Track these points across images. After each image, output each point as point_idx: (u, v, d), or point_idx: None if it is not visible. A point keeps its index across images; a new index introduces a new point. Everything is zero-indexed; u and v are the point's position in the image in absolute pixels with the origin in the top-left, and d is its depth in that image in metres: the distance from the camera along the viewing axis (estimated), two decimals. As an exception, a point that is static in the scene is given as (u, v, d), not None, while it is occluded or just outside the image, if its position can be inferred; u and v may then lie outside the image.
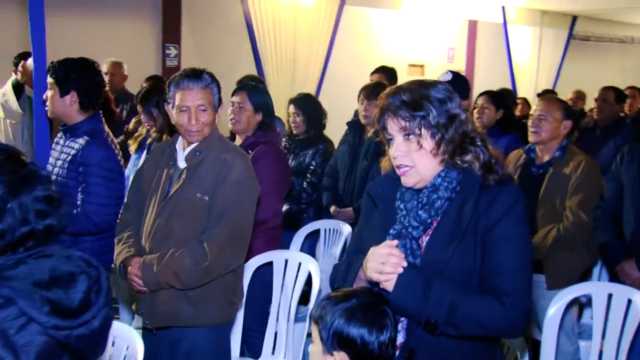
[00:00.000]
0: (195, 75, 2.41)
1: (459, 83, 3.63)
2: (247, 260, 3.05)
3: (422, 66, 10.87)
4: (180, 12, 8.61)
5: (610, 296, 2.74)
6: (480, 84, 10.34)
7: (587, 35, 11.62)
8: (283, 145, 4.22)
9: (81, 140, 2.81)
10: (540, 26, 10.11)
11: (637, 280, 2.81)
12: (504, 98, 4.47)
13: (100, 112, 2.96)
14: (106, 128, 2.95)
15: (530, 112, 3.40)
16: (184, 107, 2.39)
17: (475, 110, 4.46)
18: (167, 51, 8.58)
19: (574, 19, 10.23)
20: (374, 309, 1.58)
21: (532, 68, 10.13)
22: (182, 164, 2.45)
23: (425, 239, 1.71)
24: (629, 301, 2.66)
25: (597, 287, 2.79)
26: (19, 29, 6.22)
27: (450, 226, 1.66)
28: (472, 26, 11.22)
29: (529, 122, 3.38)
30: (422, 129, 1.68)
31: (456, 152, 1.70)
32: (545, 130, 3.30)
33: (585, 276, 3.53)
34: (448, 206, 1.69)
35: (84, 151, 2.76)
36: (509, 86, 10.03)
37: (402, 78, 7.50)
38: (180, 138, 2.51)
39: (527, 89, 9.75)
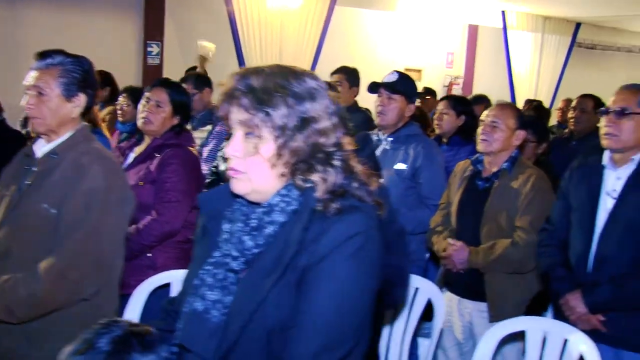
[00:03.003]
0: (42, 54, 2.06)
1: (405, 84, 3.30)
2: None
3: (419, 71, 10.48)
4: (163, 9, 8.33)
5: (546, 333, 2.36)
6: (480, 91, 9.92)
7: (594, 43, 11.14)
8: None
9: None
10: (542, 32, 9.67)
11: (582, 315, 2.41)
12: (466, 104, 4.11)
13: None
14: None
15: (481, 118, 3.03)
16: (26, 90, 2.06)
17: (435, 116, 4.11)
18: (149, 48, 8.31)
19: (578, 25, 9.77)
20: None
21: (532, 75, 9.69)
22: (35, 167, 2.09)
23: None
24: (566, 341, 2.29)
25: (531, 323, 2.41)
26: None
27: (272, 259, 1.29)
28: (473, 31, 10.84)
29: (479, 130, 3.01)
30: (264, 129, 1.30)
31: (299, 169, 1.32)
32: (497, 140, 2.93)
33: (542, 306, 3.13)
34: (277, 233, 1.32)
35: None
36: (507, 93, 9.65)
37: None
38: (40, 137, 2.15)
39: (527, 96, 9.31)
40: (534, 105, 6.43)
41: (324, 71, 8.32)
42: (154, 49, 8.34)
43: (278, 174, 1.33)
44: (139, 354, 1.36)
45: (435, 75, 10.62)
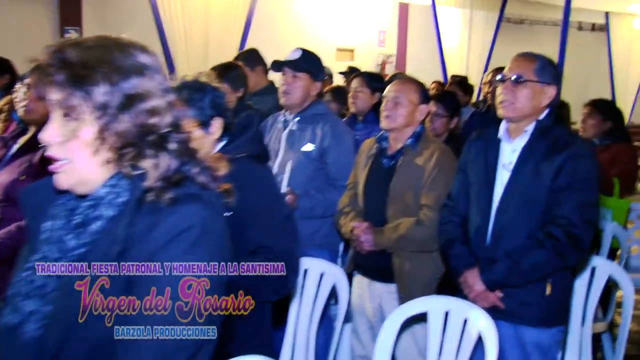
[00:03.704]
0: None
1: (309, 62, 3.18)
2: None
3: (351, 50, 10.40)
4: (79, -8, 7.97)
5: (447, 313, 2.31)
6: (412, 69, 9.92)
7: (521, 18, 11.26)
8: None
9: None
10: (470, 8, 9.72)
11: (480, 293, 2.35)
12: (381, 81, 4.03)
13: None
14: None
15: (384, 94, 2.95)
16: None
17: (350, 95, 4.01)
18: (67, 35, 7.92)
19: (505, 0, 9.84)
20: None
21: (462, 51, 9.74)
22: None
23: None
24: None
25: (433, 303, 2.34)
26: None
27: (96, 261, 1.14)
28: (403, 9, 10.81)
29: (382, 106, 2.93)
30: (84, 109, 1.15)
31: (127, 154, 1.17)
32: (400, 115, 2.85)
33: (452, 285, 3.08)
34: (105, 230, 1.17)
35: None
36: (439, 70, 9.66)
37: (330, 64, 7.02)
38: None
39: (459, 72, 9.35)
40: (457, 80, 6.42)
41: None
42: (73, 35, 7.97)
43: (103, 160, 1.17)
44: None
45: (368, 54, 10.55)
